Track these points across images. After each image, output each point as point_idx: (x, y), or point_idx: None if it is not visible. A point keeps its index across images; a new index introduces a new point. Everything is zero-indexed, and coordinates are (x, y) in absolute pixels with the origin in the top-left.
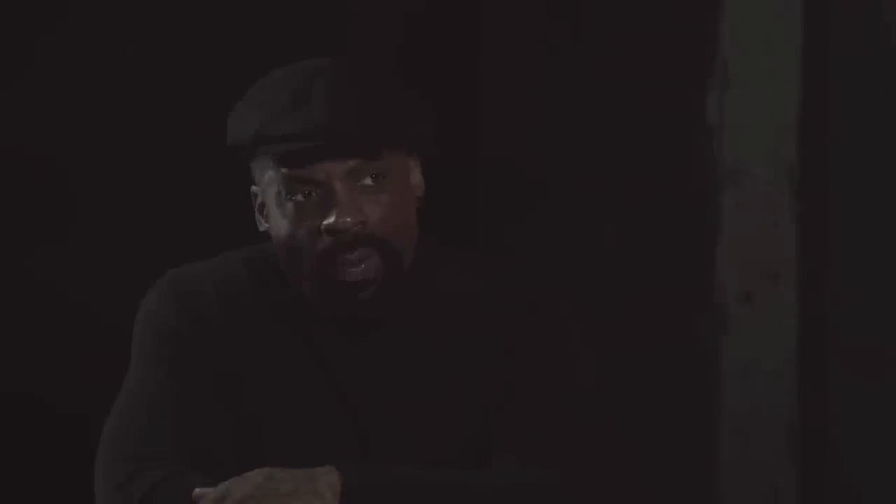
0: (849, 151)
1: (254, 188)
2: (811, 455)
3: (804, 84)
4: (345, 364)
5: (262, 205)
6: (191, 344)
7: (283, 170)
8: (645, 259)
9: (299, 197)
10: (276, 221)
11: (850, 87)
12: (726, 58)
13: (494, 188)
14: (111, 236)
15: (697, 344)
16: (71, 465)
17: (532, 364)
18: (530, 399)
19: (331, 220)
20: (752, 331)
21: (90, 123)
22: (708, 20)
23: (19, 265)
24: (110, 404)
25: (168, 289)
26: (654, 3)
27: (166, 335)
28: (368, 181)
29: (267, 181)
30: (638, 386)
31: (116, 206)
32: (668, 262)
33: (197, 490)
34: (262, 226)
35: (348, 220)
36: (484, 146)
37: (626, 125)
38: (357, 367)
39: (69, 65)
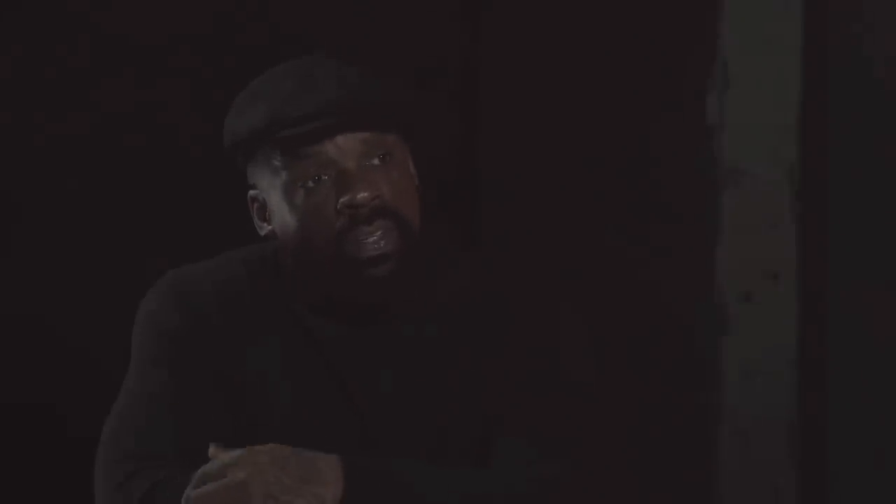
0: (849, 151)
1: (251, 192)
2: (811, 455)
3: (804, 84)
4: (345, 362)
5: (262, 207)
6: (190, 344)
7: (294, 153)
8: (645, 259)
9: (310, 183)
10: (284, 214)
11: (850, 87)
12: (726, 58)
13: (494, 188)
14: (111, 236)
15: (697, 344)
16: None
17: (532, 362)
18: (530, 397)
19: (348, 195)
20: (752, 331)
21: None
22: (708, 20)
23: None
24: (110, 404)
25: (168, 289)
26: (654, 3)
27: (166, 335)
28: (377, 160)
29: (271, 176)
30: (638, 386)
31: (116, 206)
32: (669, 262)
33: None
34: (263, 230)
35: (366, 194)
36: (484, 146)
37: (626, 125)
38: (358, 365)
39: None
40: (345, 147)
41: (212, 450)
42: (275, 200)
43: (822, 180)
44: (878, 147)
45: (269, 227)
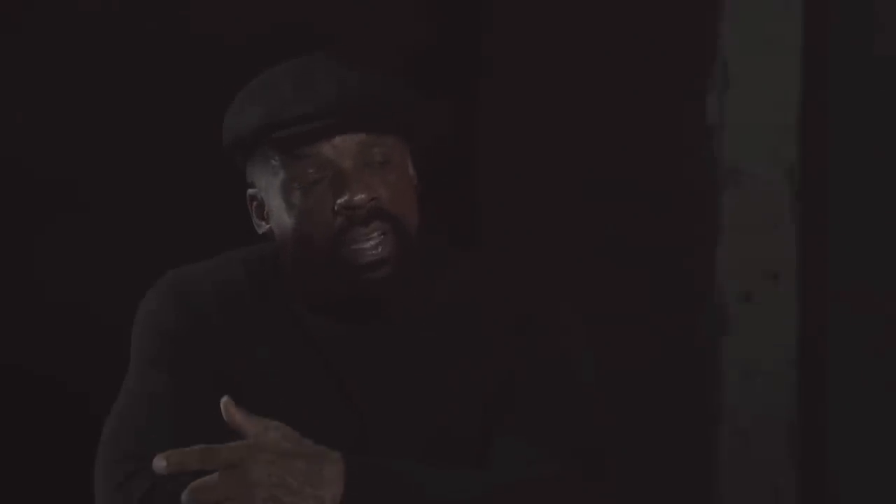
0: (849, 151)
1: (250, 191)
2: (811, 455)
3: (804, 84)
4: (344, 362)
5: (261, 206)
6: (190, 344)
7: (291, 153)
8: (645, 259)
9: (308, 183)
10: (282, 214)
11: (850, 87)
12: (726, 58)
13: (494, 188)
14: (111, 237)
15: (697, 344)
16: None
17: (532, 362)
18: (530, 397)
19: (345, 197)
20: (752, 331)
21: (90, 123)
22: (708, 20)
23: (19, 264)
24: (110, 404)
25: (167, 289)
26: (654, 3)
27: (166, 335)
28: (374, 162)
29: (269, 176)
30: (638, 386)
31: (116, 207)
32: (669, 262)
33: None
34: (262, 228)
35: (363, 195)
36: (484, 146)
37: (626, 125)
38: (356, 365)
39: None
40: (342, 148)
41: (225, 400)
42: (273, 200)
43: (822, 180)
44: (878, 147)
45: (268, 226)
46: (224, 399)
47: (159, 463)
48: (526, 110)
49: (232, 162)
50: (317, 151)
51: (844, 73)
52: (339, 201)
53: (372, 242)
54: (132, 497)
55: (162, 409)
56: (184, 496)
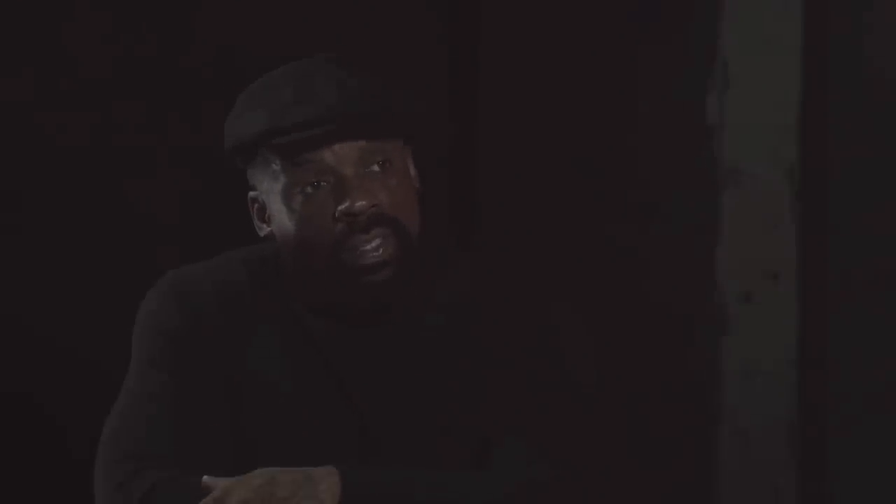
0: (849, 151)
1: (252, 193)
2: (811, 455)
3: (804, 84)
4: (345, 363)
5: (262, 209)
6: (191, 344)
7: (292, 160)
8: (645, 259)
9: (308, 189)
10: (283, 218)
11: (850, 87)
12: (726, 58)
13: (494, 188)
14: (111, 237)
15: (697, 344)
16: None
17: (532, 363)
18: (530, 398)
19: (346, 203)
20: (752, 331)
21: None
22: (708, 20)
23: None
24: (110, 405)
25: (168, 289)
26: (654, 3)
27: (166, 335)
28: (375, 167)
29: (270, 180)
30: (638, 386)
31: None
32: (669, 262)
33: (206, 478)
34: (263, 231)
35: (363, 202)
36: (484, 147)
37: (625, 125)
38: (358, 367)
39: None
40: (342, 154)
41: (205, 480)
42: (274, 204)
43: (822, 180)
44: (878, 147)
45: (269, 229)
46: (205, 479)
47: None
48: (525, 110)
49: (233, 163)
50: (317, 157)
51: (844, 73)
52: (339, 208)
53: (373, 244)
54: (132, 497)
55: (162, 410)
56: None
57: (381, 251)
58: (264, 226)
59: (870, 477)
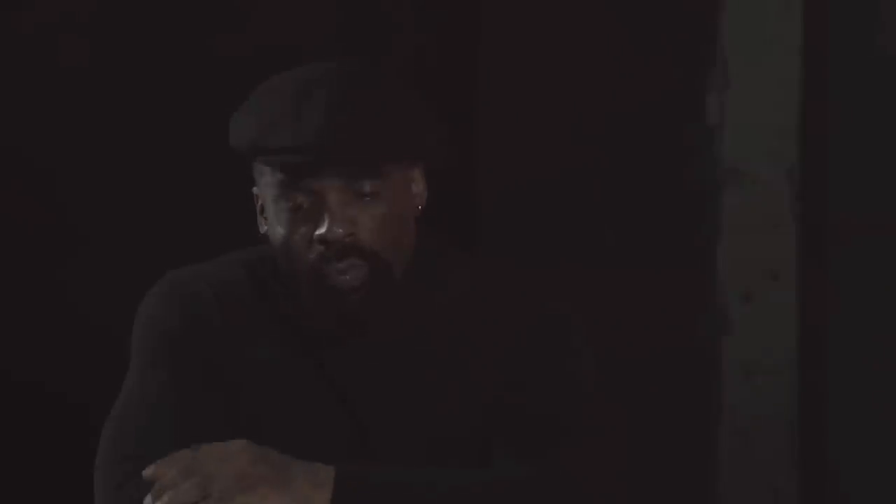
0: (849, 151)
1: (255, 189)
2: (811, 455)
3: (804, 84)
4: (344, 366)
5: (263, 207)
6: (191, 345)
7: (279, 176)
8: (645, 259)
9: (293, 205)
10: (273, 227)
11: (850, 87)
12: (726, 58)
13: (494, 189)
14: (111, 237)
15: (697, 344)
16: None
17: (532, 365)
18: (530, 399)
19: (322, 230)
20: (752, 331)
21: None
22: (708, 20)
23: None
24: (110, 405)
25: (168, 290)
26: (654, 3)
27: (166, 336)
28: (364, 192)
29: (264, 186)
30: (638, 386)
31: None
32: (669, 262)
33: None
34: (263, 227)
35: (339, 231)
36: (483, 147)
37: (625, 126)
38: (356, 369)
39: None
40: (328, 181)
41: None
42: (267, 209)
43: (822, 180)
44: (878, 147)
45: (267, 228)
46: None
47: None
48: (525, 111)
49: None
50: (303, 179)
51: (844, 72)
52: (316, 233)
53: (345, 277)
54: (132, 498)
55: (162, 411)
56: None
57: (349, 277)
58: (265, 223)
59: (870, 477)
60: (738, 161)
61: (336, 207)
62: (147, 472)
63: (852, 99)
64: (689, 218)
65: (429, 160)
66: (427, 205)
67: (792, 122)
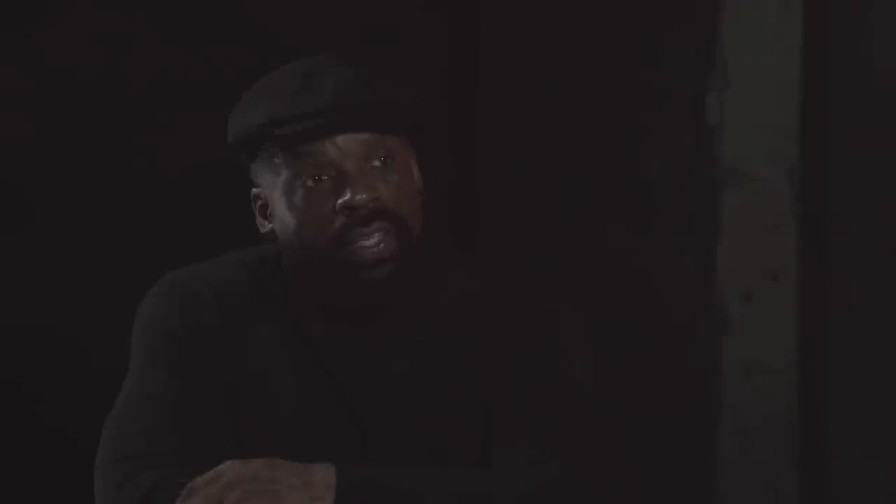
0: (849, 151)
1: (254, 190)
2: (811, 455)
3: (804, 84)
4: (345, 364)
5: (265, 205)
6: (191, 345)
7: (296, 152)
8: (645, 259)
9: (309, 182)
10: (284, 213)
11: (850, 87)
12: (726, 58)
13: (494, 188)
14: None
15: (697, 344)
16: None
17: (532, 364)
18: (530, 399)
19: (346, 196)
20: (752, 331)
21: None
22: (708, 20)
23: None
24: (110, 405)
25: (168, 290)
26: (654, 3)
27: (167, 336)
28: (377, 163)
29: (272, 174)
30: (638, 386)
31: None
32: (669, 262)
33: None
34: (265, 228)
35: (364, 196)
36: (483, 146)
37: (625, 125)
38: (357, 367)
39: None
40: (344, 148)
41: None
42: (275, 199)
43: (822, 180)
44: (878, 147)
45: (270, 226)
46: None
47: None
48: (525, 110)
49: (236, 160)
50: (319, 150)
51: (844, 73)
52: (339, 201)
53: (373, 240)
54: (132, 498)
55: (162, 410)
56: None
57: (380, 247)
58: (266, 223)
59: (870, 477)
60: (738, 161)
61: (357, 174)
62: None
63: (852, 99)
64: (688, 218)
65: (419, 136)
66: (427, 204)
67: (792, 122)
